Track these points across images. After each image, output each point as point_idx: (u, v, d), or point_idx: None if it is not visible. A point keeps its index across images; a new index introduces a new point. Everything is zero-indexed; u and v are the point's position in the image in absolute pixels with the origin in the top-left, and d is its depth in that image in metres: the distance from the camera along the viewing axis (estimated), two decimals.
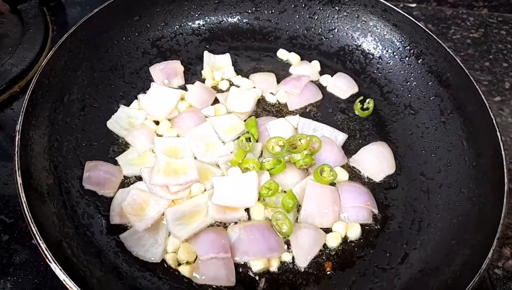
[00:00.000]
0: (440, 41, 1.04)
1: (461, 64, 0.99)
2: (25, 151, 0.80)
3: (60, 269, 0.66)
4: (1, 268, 0.83)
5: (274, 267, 0.83)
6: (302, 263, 0.83)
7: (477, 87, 0.94)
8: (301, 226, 0.86)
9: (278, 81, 1.12)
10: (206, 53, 1.14)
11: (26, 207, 0.70)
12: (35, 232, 0.69)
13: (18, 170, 0.74)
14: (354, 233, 0.87)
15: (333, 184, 0.92)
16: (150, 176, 0.88)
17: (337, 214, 0.88)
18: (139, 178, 0.92)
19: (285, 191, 0.91)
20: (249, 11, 1.21)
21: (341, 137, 1.02)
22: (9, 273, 0.83)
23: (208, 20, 1.20)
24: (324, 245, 0.86)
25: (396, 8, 1.10)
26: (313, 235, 0.84)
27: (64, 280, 0.66)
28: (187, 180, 0.88)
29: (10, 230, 0.88)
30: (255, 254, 0.81)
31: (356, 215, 0.88)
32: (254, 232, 0.83)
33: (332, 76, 1.14)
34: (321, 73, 1.16)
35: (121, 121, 1.00)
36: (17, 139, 0.79)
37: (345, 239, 0.87)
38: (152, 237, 0.84)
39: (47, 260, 0.67)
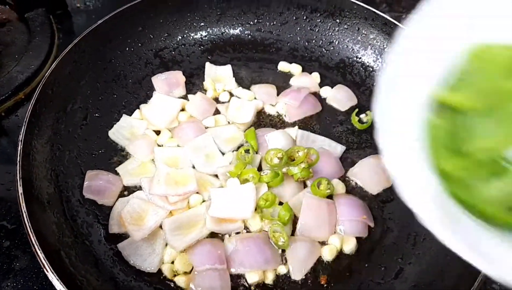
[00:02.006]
0: None
1: None
2: (27, 161, 0.81)
3: (57, 279, 0.67)
4: (1, 274, 0.84)
5: (269, 280, 0.83)
6: (297, 275, 0.84)
7: None
8: (297, 239, 0.87)
9: (278, 93, 1.13)
10: (208, 64, 1.16)
11: (26, 217, 0.72)
12: (34, 242, 0.70)
13: (20, 179, 0.76)
14: (349, 246, 0.88)
15: (330, 196, 0.93)
16: (150, 186, 0.89)
17: (333, 227, 0.89)
18: (139, 188, 0.94)
19: (282, 203, 0.92)
20: (251, 22, 1.23)
21: (339, 149, 1.03)
22: (9, 279, 0.84)
23: (211, 31, 1.22)
24: (320, 258, 0.87)
25: (396, 22, 1.10)
26: (308, 248, 0.85)
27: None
28: (186, 190, 0.89)
29: (11, 236, 0.89)
30: (251, 266, 0.82)
31: (351, 228, 0.89)
32: (250, 244, 0.84)
33: (332, 88, 1.15)
34: (321, 85, 1.17)
35: (123, 130, 1.02)
36: (19, 148, 0.80)
37: (340, 252, 0.88)
38: (150, 247, 0.85)
39: (44, 270, 0.68)
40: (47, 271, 0.68)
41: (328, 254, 0.86)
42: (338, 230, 0.89)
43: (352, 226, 0.89)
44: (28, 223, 0.71)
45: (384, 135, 0.55)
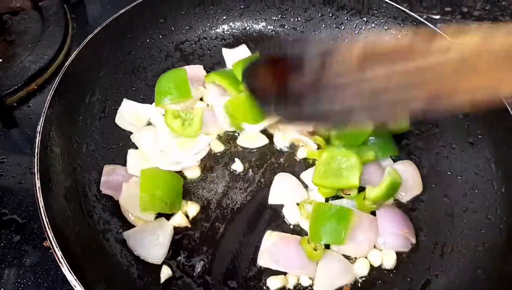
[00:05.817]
0: None
1: None
2: (44, 153, 0.78)
3: (72, 275, 0.64)
4: (12, 270, 0.82)
5: (290, 285, 0.81)
6: None
7: (510, 110, 0.90)
8: (333, 254, 0.84)
9: None
10: (224, 50, 1.13)
11: (44, 212, 0.69)
12: (51, 237, 0.67)
13: (38, 172, 0.73)
14: (389, 261, 0.84)
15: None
16: None
17: (372, 244, 0.85)
18: None
19: None
20: (274, 18, 1.19)
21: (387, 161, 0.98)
22: (20, 275, 0.81)
23: (233, 25, 1.18)
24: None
25: (427, 22, 1.06)
26: (342, 267, 0.82)
27: (74, 286, 0.64)
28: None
29: (22, 230, 0.87)
30: (284, 266, 0.80)
31: (392, 241, 0.85)
32: (291, 245, 0.82)
33: None
34: None
35: (126, 115, 0.98)
36: (37, 140, 0.77)
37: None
38: (155, 238, 0.82)
39: (61, 266, 0.66)
40: (63, 267, 0.65)
41: (362, 269, 0.83)
42: (378, 242, 0.85)
43: (392, 239, 0.85)
44: (45, 217, 0.68)
45: None
